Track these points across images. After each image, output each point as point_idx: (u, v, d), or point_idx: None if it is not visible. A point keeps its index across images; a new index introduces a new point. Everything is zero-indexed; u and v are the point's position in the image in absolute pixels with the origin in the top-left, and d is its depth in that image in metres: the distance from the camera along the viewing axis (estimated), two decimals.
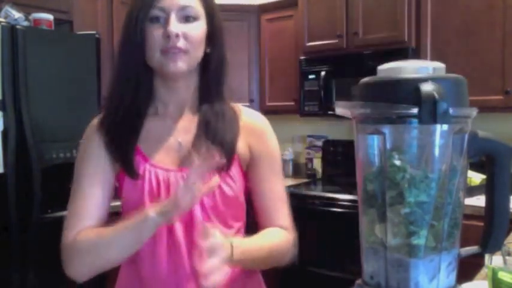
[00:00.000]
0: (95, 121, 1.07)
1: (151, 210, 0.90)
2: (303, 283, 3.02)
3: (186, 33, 0.98)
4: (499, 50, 2.63)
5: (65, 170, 2.57)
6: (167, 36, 0.96)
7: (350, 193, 2.97)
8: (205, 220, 1.02)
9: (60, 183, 2.62)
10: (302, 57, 3.37)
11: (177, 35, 0.96)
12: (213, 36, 1.04)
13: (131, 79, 1.02)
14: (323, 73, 3.22)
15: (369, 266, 0.71)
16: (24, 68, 2.35)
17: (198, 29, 1.00)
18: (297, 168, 3.81)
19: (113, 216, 1.02)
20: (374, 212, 0.67)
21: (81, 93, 2.63)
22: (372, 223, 0.68)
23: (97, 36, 2.72)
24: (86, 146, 1.06)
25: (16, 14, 2.47)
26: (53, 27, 2.63)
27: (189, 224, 1.01)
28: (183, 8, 0.97)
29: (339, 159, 3.52)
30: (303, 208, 2.94)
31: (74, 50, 2.62)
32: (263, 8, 3.69)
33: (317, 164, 3.70)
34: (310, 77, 3.29)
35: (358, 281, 0.73)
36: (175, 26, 0.96)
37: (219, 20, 1.05)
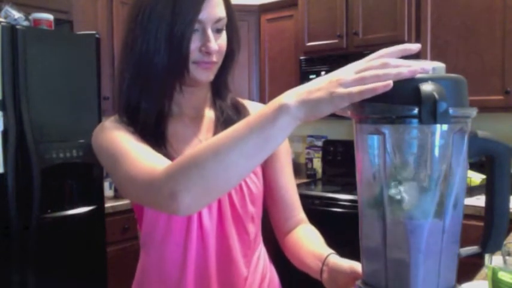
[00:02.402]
0: (111, 119, 0.99)
1: (286, 98, 0.66)
2: (303, 283, 3.01)
3: (219, 45, 0.96)
4: (499, 50, 2.63)
5: (65, 170, 2.59)
6: (206, 51, 0.93)
7: (350, 193, 2.97)
8: (236, 222, 1.01)
9: (60, 183, 2.63)
10: (302, 57, 3.37)
11: (215, 50, 0.94)
12: (232, 39, 1.02)
13: (153, 85, 0.95)
14: (323, 73, 3.21)
15: (369, 266, 0.72)
16: (24, 68, 2.35)
17: (225, 38, 0.98)
18: (297, 168, 3.81)
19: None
20: (374, 212, 0.67)
21: (81, 93, 2.62)
22: (372, 223, 0.68)
23: (97, 36, 2.72)
24: (117, 127, 0.94)
25: (16, 14, 2.47)
26: (53, 27, 2.63)
27: (220, 231, 0.99)
28: (218, 20, 0.94)
29: (339, 159, 3.53)
30: (302, 208, 2.94)
31: (74, 50, 2.62)
32: (263, 8, 3.69)
33: (317, 164, 3.71)
34: (310, 77, 3.29)
35: (358, 281, 0.73)
36: (214, 42, 0.93)
37: (236, 22, 1.04)
